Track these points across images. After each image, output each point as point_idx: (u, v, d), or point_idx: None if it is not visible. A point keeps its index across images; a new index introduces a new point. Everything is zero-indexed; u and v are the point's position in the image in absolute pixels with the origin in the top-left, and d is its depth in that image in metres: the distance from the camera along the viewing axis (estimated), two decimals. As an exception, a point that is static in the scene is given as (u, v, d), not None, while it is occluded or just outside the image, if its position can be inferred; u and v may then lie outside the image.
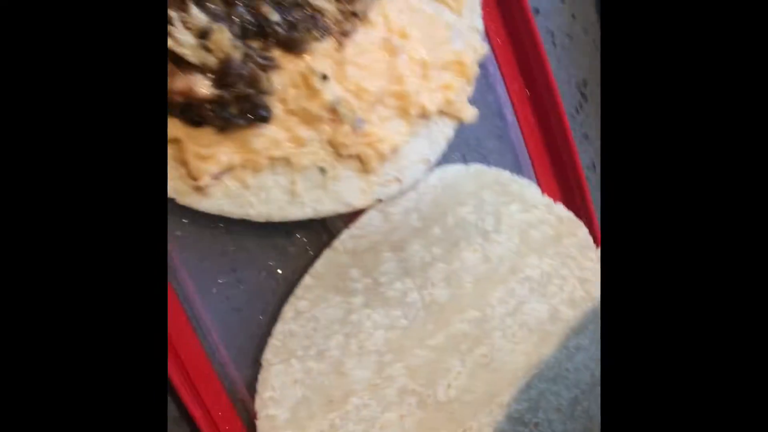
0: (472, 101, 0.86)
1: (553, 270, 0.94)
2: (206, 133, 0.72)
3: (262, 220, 0.77)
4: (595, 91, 1.00)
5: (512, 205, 0.91)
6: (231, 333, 0.82)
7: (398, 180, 0.80)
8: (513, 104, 0.93)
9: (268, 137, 0.74)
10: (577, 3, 0.98)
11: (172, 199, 0.74)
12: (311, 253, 0.84)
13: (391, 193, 0.80)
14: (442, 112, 0.83)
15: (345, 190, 0.78)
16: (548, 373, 0.92)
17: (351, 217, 0.81)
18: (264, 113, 0.72)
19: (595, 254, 0.97)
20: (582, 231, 0.96)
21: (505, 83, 0.93)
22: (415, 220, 0.84)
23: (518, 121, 0.94)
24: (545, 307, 0.94)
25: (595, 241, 0.97)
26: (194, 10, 0.67)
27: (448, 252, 0.87)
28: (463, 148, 0.91)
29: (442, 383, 0.85)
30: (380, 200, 0.80)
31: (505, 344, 0.89)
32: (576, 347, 0.94)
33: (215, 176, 0.74)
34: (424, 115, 0.80)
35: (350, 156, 0.77)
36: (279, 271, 0.85)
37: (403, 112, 0.79)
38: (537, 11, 0.96)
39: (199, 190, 0.74)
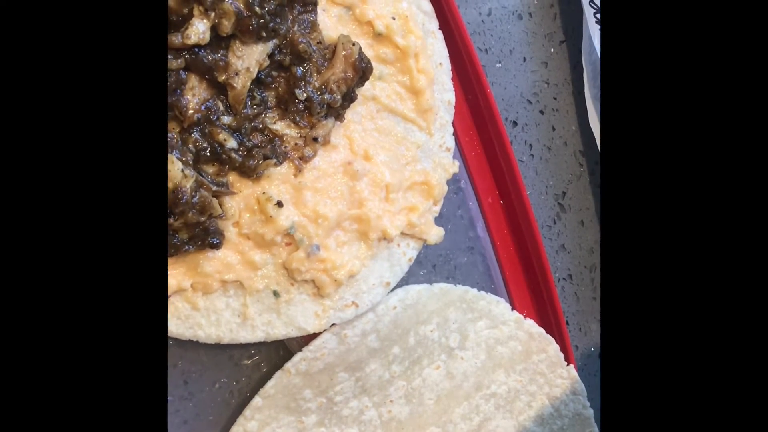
0: (442, 217, 0.85)
1: (521, 386, 0.92)
2: (156, 257, 0.71)
3: (211, 342, 0.75)
4: (574, 201, 0.98)
5: (479, 321, 0.89)
6: (179, 449, 0.80)
7: (355, 304, 0.78)
8: (485, 218, 0.91)
9: (220, 261, 0.73)
10: (557, 115, 0.96)
11: (119, 320, 0.73)
12: (265, 369, 0.83)
13: (346, 318, 0.79)
14: (405, 234, 0.81)
15: (298, 314, 0.77)
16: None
17: (307, 336, 0.79)
18: (215, 240, 0.71)
19: (565, 371, 0.94)
20: (552, 347, 0.93)
21: (478, 197, 0.91)
22: (373, 341, 0.82)
23: (490, 235, 0.92)
24: (512, 424, 0.91)
25: (566, 358, 0.94)
26: (145, 141, 0.66)
27: (409, 370, 0.85)
28: (431, 263, 0.89)
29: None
30: (335, 324, 0.78)
31: (469, 463, 0.86)
32: (543, 467, 0.91)
33: (164, 298, 0.73)
34: (386, 238, 0.79)
35: (305, 280, 0.76)
36: (234, 383, 0.83)
37: (363, 236, 0.78)
38: (515, 124, 0.95)
39: (146, 311, 0.72)
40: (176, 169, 0.67)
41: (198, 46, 0.67)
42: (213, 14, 0.66)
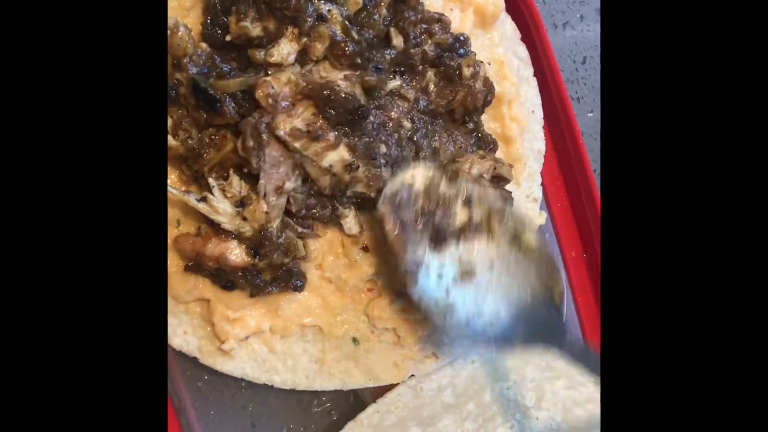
0: (524, 268, 0.81)
1: (597, 451, 0.87)
2: (236, 297, 0.69)
3: (286, 387, 0.73)
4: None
5: (557, 381, 0.84)
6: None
7: (435, 356, 0.75)
8: (568, 272, 0.87)
9: (300, 304, 0.71)
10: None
11: (194, 358, 0.71)
12: (335, 417, 0.80)
13: (426, 369, 0.76)
14: (488, 286, 0.77)
15: (377, 364, 0.74)
16: None
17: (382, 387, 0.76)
18: (298, 283, 0.69)
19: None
20: (632, 412, 0.88)
21: (562, 250, 0.87)
22: (449, 396, 0.78)
23: (572, 290, 0.88)
24: (584, 491, 0.86)
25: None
26: (234, 179, 0.65)
27: (482, 428, 0.80)
28: (511, 316, 0.85)
29: None
30: (412, 376, 0.75)
31: None
32: None
33: (242, 339, 0.71)
34: (470, 289, 0.75)
35: (386, 328, 0.73)
36: (302, 429, 0.80)
37: (447, 286, 0.75)
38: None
39: (223, 352, 0.70)
40: (261, 210, 0.65)
41: (279, 65, 0.65)
42: (306, 39, 0.65)
